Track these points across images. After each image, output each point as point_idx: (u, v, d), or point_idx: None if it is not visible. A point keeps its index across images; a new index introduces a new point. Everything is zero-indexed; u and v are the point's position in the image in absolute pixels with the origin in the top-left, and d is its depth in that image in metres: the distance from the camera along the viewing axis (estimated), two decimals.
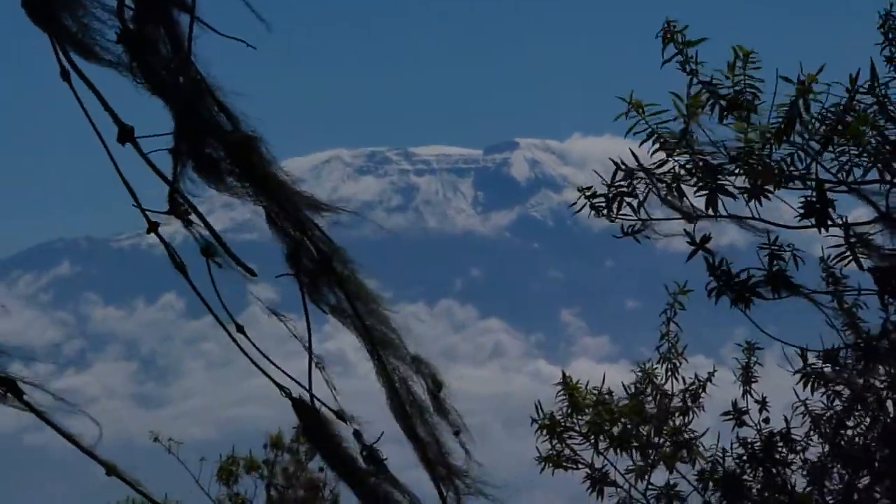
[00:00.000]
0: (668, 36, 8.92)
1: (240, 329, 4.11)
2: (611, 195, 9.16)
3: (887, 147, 8.83)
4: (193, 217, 3.76)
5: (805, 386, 10.67)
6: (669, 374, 11.31)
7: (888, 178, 8.92)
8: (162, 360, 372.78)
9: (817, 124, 8.78)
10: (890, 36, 9.63)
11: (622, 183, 9.12)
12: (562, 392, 11.27)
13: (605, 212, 9.23)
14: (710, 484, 10.96)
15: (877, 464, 10.44)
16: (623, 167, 9.11)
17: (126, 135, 3.55)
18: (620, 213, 9.22)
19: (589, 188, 9.27)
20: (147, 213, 3.86)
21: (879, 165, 8.87)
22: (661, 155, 8.99)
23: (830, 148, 8.81)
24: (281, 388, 4.11)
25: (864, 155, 8.85)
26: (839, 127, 8.74)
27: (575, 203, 9.32)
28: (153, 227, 3.83)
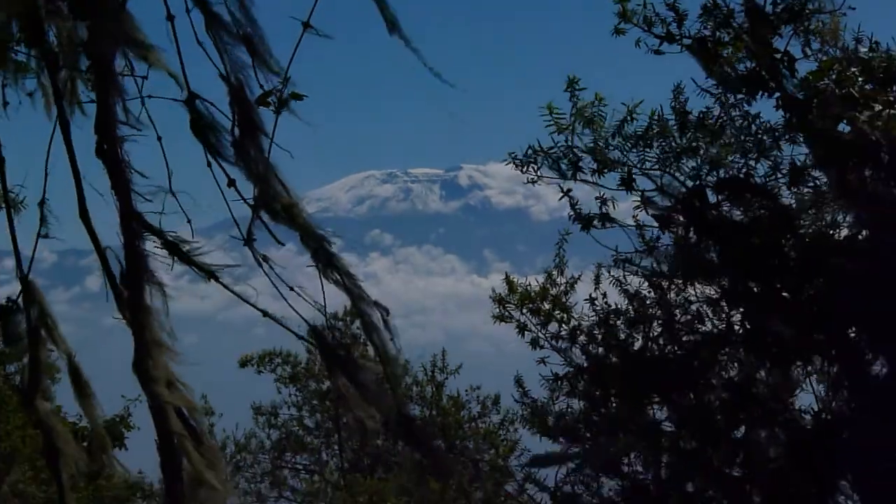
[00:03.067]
0: (569, 85, 8.30)
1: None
2: (526, 161, 8.53)
3: (667, 151, 8.45)
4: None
5: (618, 268, 9.77)
6: (558, 274, 10.55)
7: (665, 169, 8.51)
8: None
9: (631, 137, 8.39)
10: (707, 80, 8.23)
11: (531, 158, 8.54)
12: (505, 284, 10.52)
13: (523, 169, 8.59)
14: (578, 333, 10.22)
15: (663, 322, 9.73)
16: (532, 150, 8.51)
17: (232, 182, 3.08)
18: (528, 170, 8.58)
19: (513, 153, 8.60)
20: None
21: (661, 164, 8.49)
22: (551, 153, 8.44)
23: (636, 150, 8.41)
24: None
25: (653, 156, 8.47)
26: (640, 140, 8.40)
27: (506, 160, 8.69)
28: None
